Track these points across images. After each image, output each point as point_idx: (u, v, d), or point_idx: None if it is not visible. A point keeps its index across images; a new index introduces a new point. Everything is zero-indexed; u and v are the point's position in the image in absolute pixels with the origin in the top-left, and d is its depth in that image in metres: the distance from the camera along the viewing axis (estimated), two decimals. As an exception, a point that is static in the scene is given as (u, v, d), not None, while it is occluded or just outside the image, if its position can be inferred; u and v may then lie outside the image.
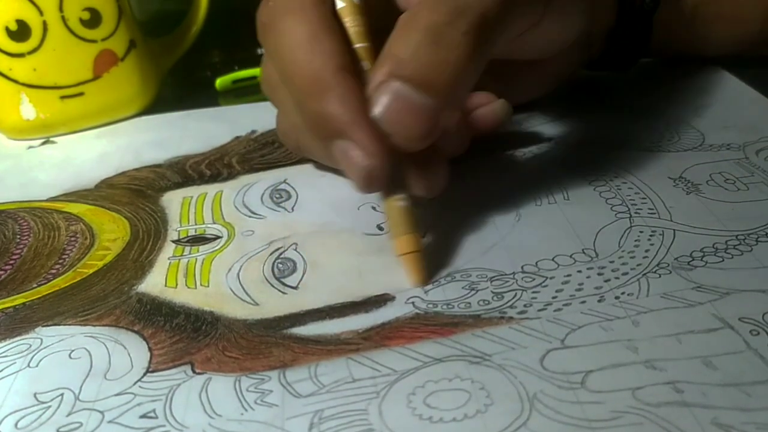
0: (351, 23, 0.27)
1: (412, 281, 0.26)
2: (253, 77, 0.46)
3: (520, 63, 0.33)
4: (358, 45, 0.27)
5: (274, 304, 0.26)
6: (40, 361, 0.24)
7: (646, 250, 0.27)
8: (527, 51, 0.32)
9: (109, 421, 0.22)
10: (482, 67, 0.26)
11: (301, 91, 0.25)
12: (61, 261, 0.30)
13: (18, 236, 0.31)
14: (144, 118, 0.43)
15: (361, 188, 0.26)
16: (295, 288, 0.26)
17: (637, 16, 0.36)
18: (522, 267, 0.26)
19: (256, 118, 0.40)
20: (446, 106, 0.25)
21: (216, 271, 0.28)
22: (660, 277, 0.25)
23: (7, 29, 0.38)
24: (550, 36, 0.31)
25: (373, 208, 0.31)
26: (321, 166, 0.34)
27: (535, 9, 0.28)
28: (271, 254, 0.28)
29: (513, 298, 0.25)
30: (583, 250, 0.27)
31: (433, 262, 0.27)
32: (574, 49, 0.35)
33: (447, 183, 0.28)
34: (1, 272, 0.29)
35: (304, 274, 0.27)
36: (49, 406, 0.22)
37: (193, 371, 0.23)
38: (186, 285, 0.27)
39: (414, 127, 0.24)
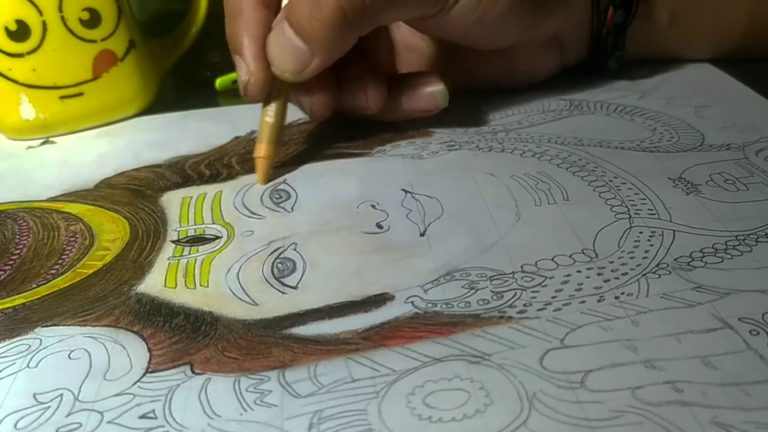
0: None
1: (258, 179, 0.33)
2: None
3: (484, 51, 0.36)
4: None
5: (273, 304, 0.26)
6: (40, 361, 0.24)
7: (646, 251, 0.27)
8: (455, 36, 0.35)
9: (109, 422, 0.22)
10: (355, 32, 0.31)
11: (226, 12, 0.33)
12: (60, 261, 0.30)
13: (17, 236, 0.31)
14: (143, 118, 0.43)
15: (242, 95, 0.33)
16: (295, 288, 0.26)
17: (609, 33, 0.38)
18: (521, 267, 0.26)
19: (255, 118, 0.40)
20: (316, 55, 0.30)
21: (215, 272, 0.28)
22: (660, 277, 0.25)
23: (7, 29, 0.38)
24: (476, 27, 0.33)
25: (373, 206, 0.31)
26: (320, 167, 0.34)
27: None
28: (270, 254, 0.28)
29: (512, 297, 0.25)
30: (582, 250, 0.27)
31: (433, 261, 0.27)
32: (540, 53, 0.38)
33: (328, 113, 0.34)
34: (1, 272, 0.29)
35: (303, 274, 0.27)
36: (49, 407, 0.22)
37: (193, 371, 0.23)
38: (185, 285, 0.27)
39: (288, 63, 0.31)
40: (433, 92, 0.35)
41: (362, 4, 0.30)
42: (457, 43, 0.36)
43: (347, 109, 0.35)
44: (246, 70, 0.32)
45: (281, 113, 0.33)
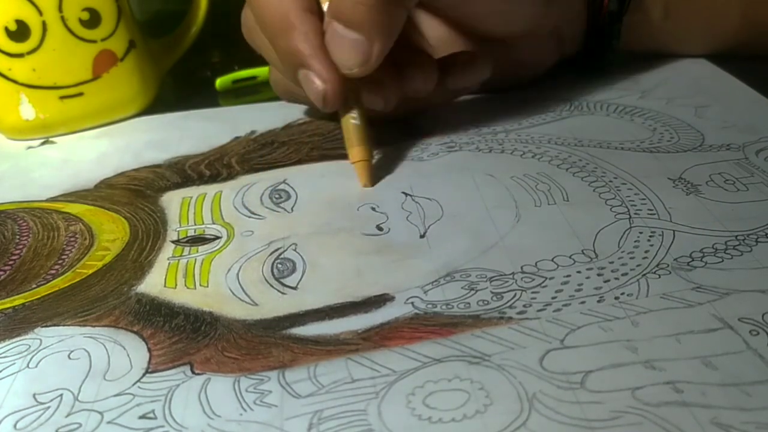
0: None
1: (362, 183, 0.32)
2: (253, 77, 0.46)
3: (487, 43, 0.36)
4: None
5: (273, 305, 0.26)
6: (40, 361, 0.24)
7: (646, 251, 0.27)
8: (472, 16, 0.36)
9: (109, 422, 0.22)
10: (400, 8, 0.30)
11: (272, 30, 0.31)
12: (60, 261, 0.30)
13: (17, 236, 0.31)
14: (143, 118, 0.43)
15: (321, 107, 0.31)
16: (295, 288, 0.26)
17: (604, 20, 0.39)
18: (521, 267, 0.26)
19: (255, 118, 0.40)
20: (374, 40, 0.30)
21: (215, 272, 0.28)
22: (660, 277, 0.25)
23: (7, 29, 0.38)
24: (493, 7, 0.35)
25: (373, 208, 0.31)
26: (321, 167, 0.34)
27: None
28: (270, 254, 0.28)
29: (512, 298, 0.25)
30: (582, 250, 0.27)
31: (433, 262, 0.27)
32: (542, 45, 0.38)
33: (397, 100, 0.33)
34: (1, 273, 0.29)
35: (303, 274, 0.27)
36: (48, 407, 0.22)
37: (193, 372, 0.23)
38: (185, 285, 0.27)
39: (350, 57, 0.30)
40: (474, 66, 0.36)
41: None
42: (472, 25, 0.36)
43: (403, 96, 0.34)
44: (320, 79, 0.30)
45: (363, 113, 0.33)
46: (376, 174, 0.33)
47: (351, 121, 0.32)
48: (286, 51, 0.31)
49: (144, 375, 0.23)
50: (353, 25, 0.29)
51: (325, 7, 0.31)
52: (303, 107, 0.40)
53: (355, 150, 0.32)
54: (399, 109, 0.35)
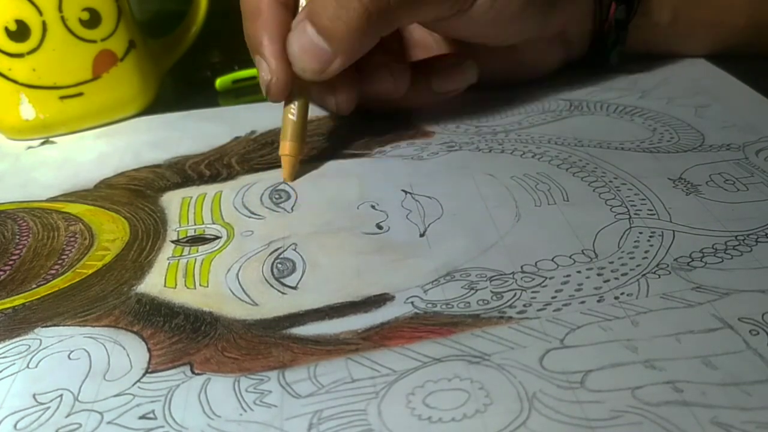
0: None
1: (283, 177, 0.34)
2: (253, 77, 0.46)
3: (482, 49, 0.36)
4: None
5: (273, 305, 0.26)
6: (40, 362, 0.24)
7: (646, 251, 0.27)
8: (469, 36, 0.35)
9: (109, 422, 0.22)
10: (377, 33, 0.31)
11: (244, 13, 0.33)
12: (60, 261, 0.30)
13: (17, 237, 0.31)
14: (143, 118, 0.43)
15: (265, 95, 0.33)
16: (295, 288, 0.26)
17: (611, 27, 0.39)
18: (521, 267, 0.26)
19: (255, 118, 0.40)
20: (339, 55, 0.30)
21: (215, 272, 0.28)
22: (659, 277, 0.25)
23: (7, 29, 0.37)
24: (490, 27, 0.34)
25: (373, 207, 0.31)
26: (321, 167, 0.34)
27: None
28: (270, 254, 0.28)
29: (512, 297, 0.25)
30: (582, 250, 0.27)
31: (433, 262, 0.27)
32: (546, 49, 0.39)
33: (353, 106, 0.34)
34: (1, 273, 0.29)
35: (303, 274, 0.27)
36: (48, 407, 0.22)
37: (192, 372, 0.23)
38: (185, 285, 0.27)
39: (311, 63, 0.30)
40: (462, 69, 0.36)
41: (387, 5, 0.30)
42: (468, 40, 0.36)
43: (372, 98, 0.35)
44: (267, 69, 0.31)
45: (303, 111, 0.34)
46: (373, 174, 0.33)
47: (289, 115, 0.33)
48: (248, 34, 0.32)
49: (144, 375, 0.23)
50: (325, 34, 0.30)
51: (302, 2, 0.32)
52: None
53: (284, 144, 0.33)
54: (383, 106, 0.36)
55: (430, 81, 0.36)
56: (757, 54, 0.40)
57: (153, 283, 0.28)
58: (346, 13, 0.29)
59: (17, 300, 0.27)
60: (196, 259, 0.29)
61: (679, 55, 0.42)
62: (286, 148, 0.33)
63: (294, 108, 0.33)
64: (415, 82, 0.35)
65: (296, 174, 0.34)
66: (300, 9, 0.32)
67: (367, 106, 0.36)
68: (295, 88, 0.33)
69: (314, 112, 0.39)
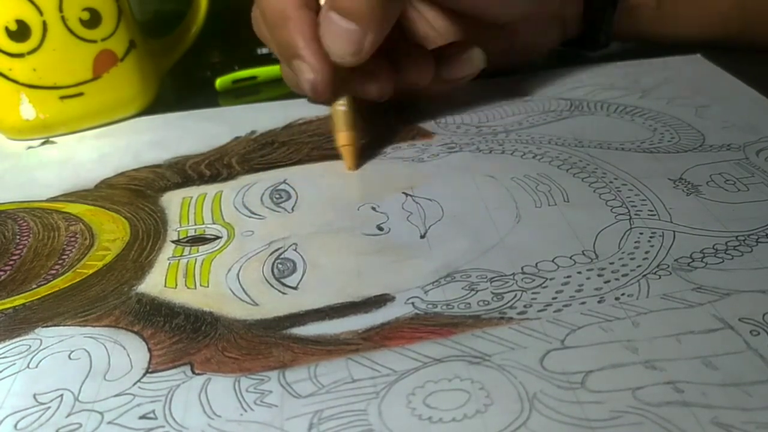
0: None
1: (347, 167, 0.34)
2: (253, 77, 0.46)
3: (489, 27, 0.37)
4: None
5: (273, 305, 0.26)
6: (40, 362, 0.24)
7: (646, 252, 0.27)
8: (476, 7, 0.36)
9: (109, 422, 0.22)
10: (396, 5, 0.31)
11: (271, 22, 0.33)
12: (60, 261, 0.30)
13: (17, 237, 0.31)
14: (143, 118, 0.43)
15: (311, 96, 0.33)
16: (295, 288, 0.26)
17: (599, 5, 0.41)
18: (522, 268, 0.26)
19: (255, 118, 0.40)
20: (369, 31, 0.30)
21: (215, 272, 0.28)
22: (660, 278, 0.25)
23: (7, 29, 0.37)
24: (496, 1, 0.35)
25: (373, 208, 0.31)
26: (321, 167, 0.34)
27: None
28: (270, 254, 0.28)
29: (513, 298, 0.25)
30: (583, 251, 0.27)
31: (433, 262, 0.27)
32: (547, 26, 0.40)
33: (392, 90, 0.35)
34: (1, 273, 0.29)
35: (303, 274, 0.27)
36: (49, 407, 0.22)
37: (193, 372, 0.23)
38: (185, 285, 0.27)
39: (344, 47, 0.30)
40: (471, 57, 0.36)
41: None
42: (474, 13, 0.37)
43: (398, 87, 0.35)
44: (310, 69, 0.31)
45: (351, 101, 0.34)
46: (374, 176, 0.33)
47: (339, 107, 0.34)
48: (281, 42, 0.32)
49: (144, 375, 0.23)
50: (349, 14, 0.30)
51: (322, 1, 0.32)
52: (304, 108, 0.40)
53: (342, 135, 0.34)
54: (393, 96, 0.36)
55: (440, 69, 0.36)
56: (748, 46, 0.41)
57: (153, 283, 0.28)
58: None
59: (18, 300, 0.27)
60: (196, 259, 0.29)
61: (667, 41, 0.43)
62: (344, 138, 0.34)
63: (343, 100, 0.33)
64: None
65: (356, 162, 0.34)
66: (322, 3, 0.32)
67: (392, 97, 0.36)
68: (339, 84, 0.33)
69: (314, 111, 0.39)
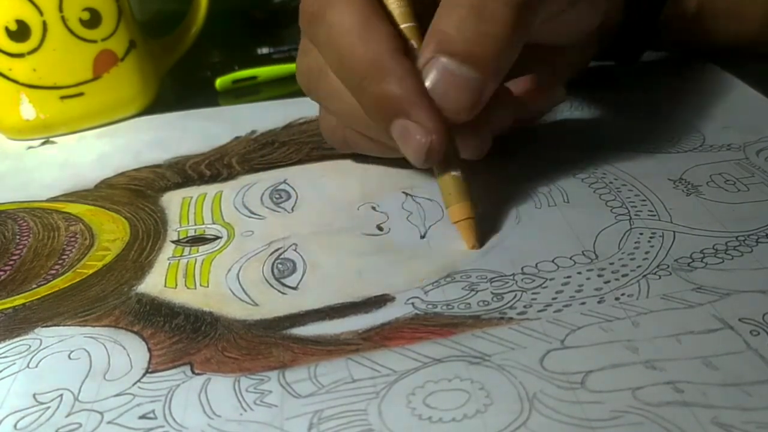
0: (395, 5, 0.27)
1: (468, 245, 0.28)
2: (253, 77, 0.46)
3: (539, 50, 0.33)
4: (405, 25, 0.27)
5: (273, 305, 0.26)
6: (40, 361, 0.24)
7: (646, 252, 0.27)
8: (556, 33, 0.32)
9: (109, 422, 0.22)
10: (524, 40, 0.26)
11: (360, 75, 0.26)
12: (60, 261, 0.30)
13: (17, 237, 0.31)
14: (144, 118, 0.43)
15: (421, 163, 0.26)
16: (295, 288, 0.26)
17: (644, 12, 0.38)
18: (522, 268, 0.26)
19: (256, 118, 0.40)
20: (491, 79, 0.26)
21: (215, 272, 0.28)
22: (660, 278, 0.25)
23: (7, 29, 0.38)
24: (580, 19, 0.31)
25: (373, 208, 0.31)
26: (321, 167, 0.34)
27: None
28: (270, 255, 0.28)
29: (513, 299, 0.25)
30: (582, 252, 0.27)
31: (433, 263, 0.27)
32: (590, 42, 0.36)
33: (489, 147, 0.29)
34: (1, 273, 0.29)
35: (303, 274, 0.27)
36: (49, 407, 0.22)
37: (193, 372, 0.23)
38: (185, 285, 0.27)
39: (461, 99, 0.25)
40: (549, 88, 0.32)
41: (530, 2, 0.26)
42: (544, 41, 0.32)
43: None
44: (423, 131, 0.25)
45: (461, 164, 0.28)
46: (374, 176, 0.32)
47: (452, 174, 0.28)
48: (380, 98, 0.26)
49: (144, 375, 0.23)
50: (472, 60, 0.25)
51: (413, 44, 0.27)
52: (304, 107, 0.40)
53: (457, 208, 0.28)
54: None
55: (515, 105, 0.31)
56: None
57: (153, 283, 0.28)
58: (494, 26, 0.25)
59: (17, 300, 0.27)
60: (196, 260, 0.29)
61: (698, 47, 0.41)
62: (462, 211, 0.28)
63: (454, 165, 0.28)
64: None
65: (478, 238, 0.28)
66: (416, 49, 0.27)
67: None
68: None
69: (314, 111, 0.39)
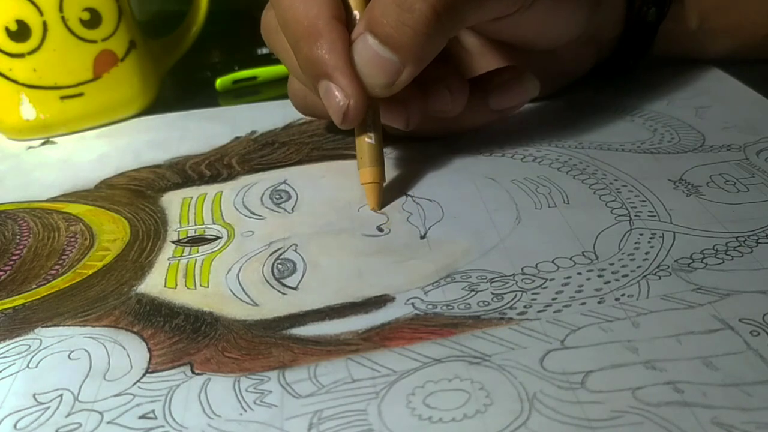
0: None
1: (370, 206, 0.31)
2: (253, 77, 0.46)
3: (523, 54, 0.34)
4: None
5: (273, 305, 0.26)
6: (40, 361, 0.24)
7: (646, 253, 0.27)
8: (521, 34, 0.33)
9: (109, 422, 0.22)
10: (445, 35, 0.28)
11: (297, 36, 0.28)
12: (60, 262, 0.30)
13: (18, 237, 0.31)
14: (144, 118, 0.43)
15: (339, 123, 0.29)
16: (295, 289, 0.26)
17: (643, 26, 0.38)
18: (522, 269, 0.26)
19: (256, 118, 0.40)
20: (407, 64, 0.28)
21: (215, 272, 0.28)
22: (660, 279, 0.25)
23: (7, 29, 0.38)
24: (544, 25, 0.33)
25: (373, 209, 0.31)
26: (321, 167, 0.34)
27: None
28: (270, 255, 0.28)
29: (513, 299, 0.25)
30: (583, 252, 0.27)
31: (433, 263, 0.27)
32: (581, 52, 0.37)
33: (420, 120, 0.31)
34: (1, 273, 0.29)
35: (303, 274, 0.27)
36: (49, 407, 0.22)
37: (193, 372, 0.23)
38: (185, 286, 0.27)
39: (378, 77, 0.28)
40: (522, 82, 0.33)
41: (454, 2, 0.27)
42: (515, 42, 0.34)
43: (428, 115, 0.32)
44: (342, 93, 0.28)
45: (379, 131, 0.30)
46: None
47: (366, 140, 0.30)
48: (309, 59, 0.28)
49: (144, 375, 0.23)
50: (391, 44, 0.27)
51: (356, 15, 0.29)
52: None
53: (367, 171, 0.30)
54: (438, 129, 0.34)
55: (487, 98, 0.33)
56: None
57: (153, 284, 0.28)
58: (411, 16, 0.27)
59: (17, 300, 0.27)
60: (196, 260, 0.29)
61: (700, 59, 0.41)
62: (369, 174, 0.30)
63: (371, 131, 0.30)
64: (471, 100, 0.32)
65: (384, 201, 0.31)
66: (357, 21, 0.29)
67: (417, 129, 0.32)
68: (368, 110, 0.29)
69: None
